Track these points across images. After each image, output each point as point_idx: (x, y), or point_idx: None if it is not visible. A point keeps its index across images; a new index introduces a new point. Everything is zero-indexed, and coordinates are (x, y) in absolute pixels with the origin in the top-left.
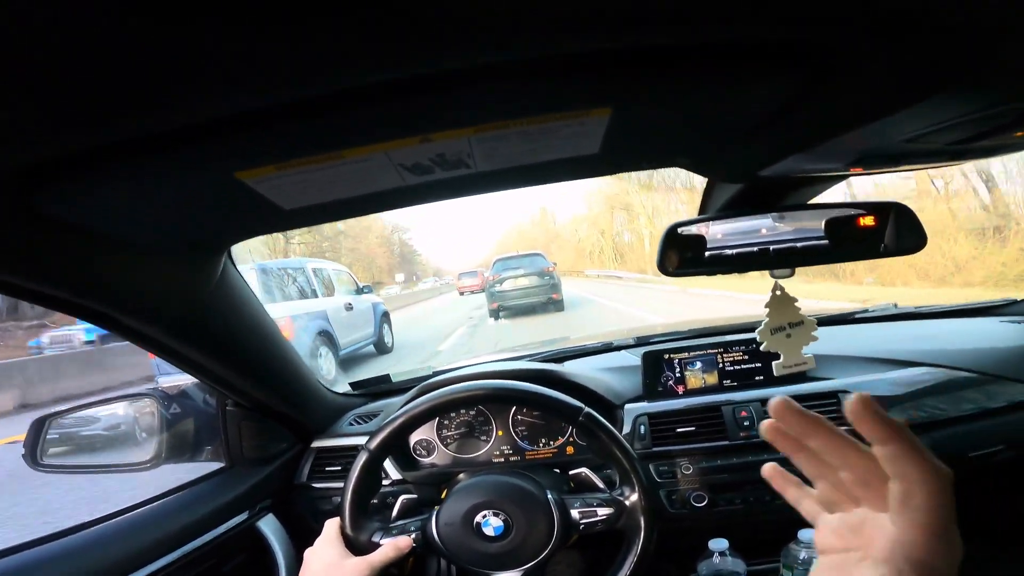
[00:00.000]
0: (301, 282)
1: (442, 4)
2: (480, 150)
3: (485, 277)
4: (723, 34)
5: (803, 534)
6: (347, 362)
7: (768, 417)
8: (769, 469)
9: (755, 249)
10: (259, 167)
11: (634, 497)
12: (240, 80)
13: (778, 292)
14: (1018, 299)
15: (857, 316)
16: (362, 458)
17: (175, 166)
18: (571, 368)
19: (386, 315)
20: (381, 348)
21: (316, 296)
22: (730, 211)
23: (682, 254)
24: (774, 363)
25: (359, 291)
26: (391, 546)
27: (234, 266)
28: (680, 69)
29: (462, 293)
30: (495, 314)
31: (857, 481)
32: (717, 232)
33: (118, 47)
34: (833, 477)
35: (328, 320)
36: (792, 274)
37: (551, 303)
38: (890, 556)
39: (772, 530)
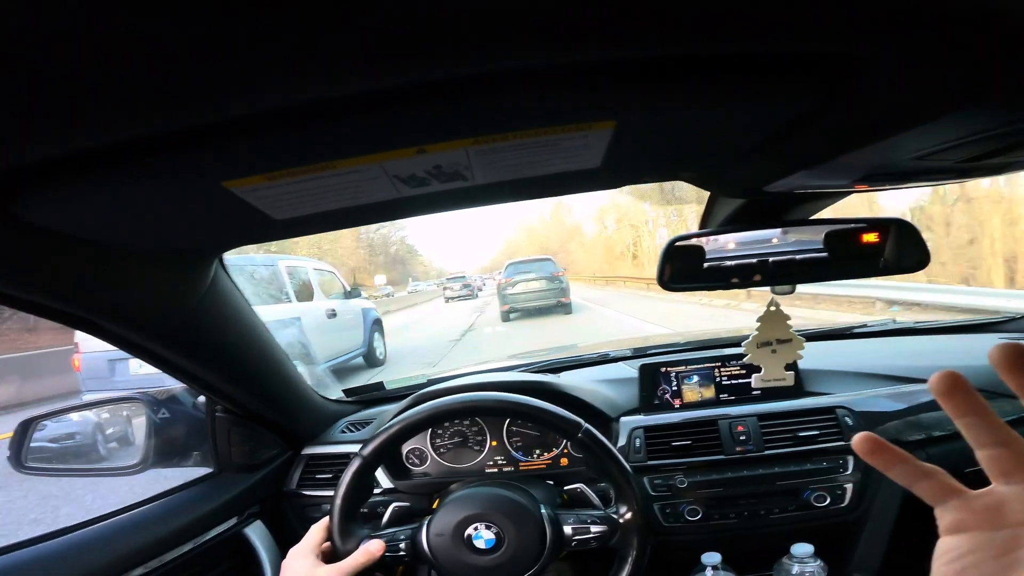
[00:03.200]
0: (270, 284)
1: (437, 11)
2: (478, 162)
3: (498, 281)
4: (738, 46)
5: (796, 548)
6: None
7: (764, 432)
8: (865, 441)
9: (756, 264)
10: (248, 177)
11: (629, 516)
12: (229, 87)
13: (773, 308)
14: (1018, 316)
15: (855, 331)
16: (355, 464)
17: (161, 173)
18: (567, 380)
19: (378, 323)
20: (371, 360)
21: (289, 300)
22: (732, 225)
23: (683, 268)
24: (754, 376)
25: (347, 294)
26: (362, 551)
27: (226, 272)
28: (690, 82)
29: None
30: (506, 315)
31: (1010, 456)
32: (718, 246)
33: (103, 50)
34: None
35: (302, 330)
36: (793, 290)
37: (559, 306)
38: None
39: (765, 544)
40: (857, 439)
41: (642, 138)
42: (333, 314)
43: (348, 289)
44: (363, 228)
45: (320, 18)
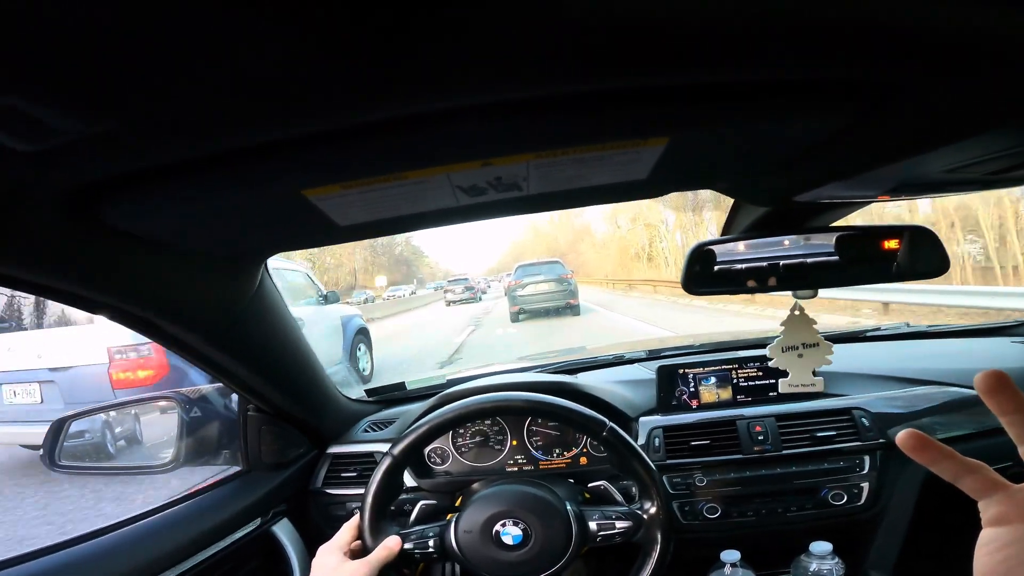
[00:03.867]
0: None
1: (507, 39)
2: (536, 174)
3: (507, 282)
4: (785, 72)
5: (815, 546)
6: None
7: (782, 432)
8: (910, 438)
9: (779, 269)
10: (325, 186)
11: (653, 511)
12: (313, 104)
13: (797, 312)
14: None
15: (869, 334)
16: (385, 463)
17: (248, 182)
18: (585, 380)
19: (363, 332)
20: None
21: None
22: (757, 231)
23: (708, 273)
24: (781, 380)
25: (323, 299)
26: (382, 548)
27: (268, 275)
28: (738, 102)
29: None
30: (515, 316)
31: None
32: (742, 252)
33: (206, 70)
34: None
35: None
36: (815, 295)
37: (568, 308)
38: None
39: (782, 542)
40: (902, 436)
41: (689, 153)
42: (299, 323)
43: (324, 293)
44: None
45: (401, 44)
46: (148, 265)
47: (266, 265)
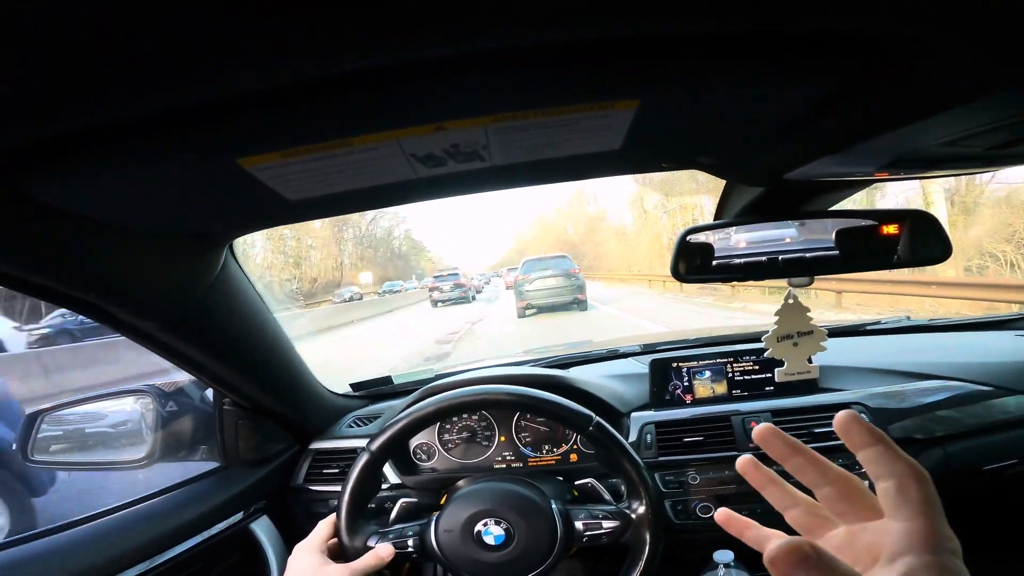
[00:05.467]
0: None
1: None
2: (497, 142)
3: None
4: (764, 25)
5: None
6: None
7: (779, 428)
8: (746, 463)
9: (772, 256)
10: (263, 154)
11: (641, 510)
12: (244, 60)
13: (791, 300)
14: None
15: (869, 328)
16: (362, 459)
17: (175, 151)
18: (577, 374)
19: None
20: None
21: None
22: (748, 216)
23: (697, 260)
24: (777, 370)
25: None
26: (372, 555)
27: (236, 260)
28: (716, 61)
29: None
30: (522, 312)
31: (839, 497)
32: (734, 238)
33: (115, 21)
34: (803, 505)
35: None
36: (811, 282)
37: (576, 303)
38: (910, 547)
39: None
40: (740, 461)
41: (664, 119)
42: None
43: None
44: (355, 219)
45: None
46: (88, 245)
47: (232, 249)
